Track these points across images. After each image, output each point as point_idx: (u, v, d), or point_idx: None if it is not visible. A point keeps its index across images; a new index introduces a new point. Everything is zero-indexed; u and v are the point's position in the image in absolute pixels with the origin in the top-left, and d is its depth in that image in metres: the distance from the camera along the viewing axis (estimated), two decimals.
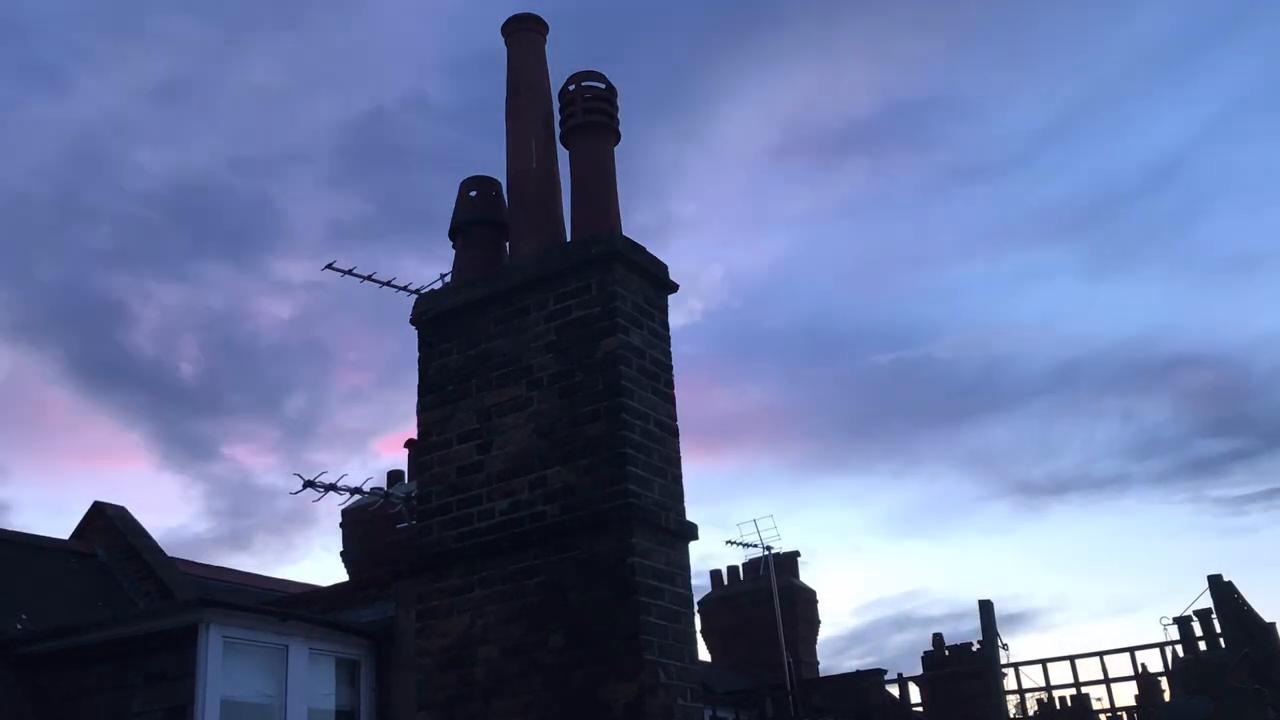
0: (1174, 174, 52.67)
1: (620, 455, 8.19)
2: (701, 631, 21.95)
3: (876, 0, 48.66)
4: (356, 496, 11.21)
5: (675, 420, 8.89)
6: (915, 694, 20.20)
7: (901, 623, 45.54)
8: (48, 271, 42.39)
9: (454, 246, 10.13)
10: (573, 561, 8.19)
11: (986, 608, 18.42)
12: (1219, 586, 17.51)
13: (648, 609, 7.91)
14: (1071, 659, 18.68)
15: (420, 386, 9.52)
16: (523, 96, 9.90)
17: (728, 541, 19.79)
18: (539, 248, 9.28)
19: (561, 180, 9.77)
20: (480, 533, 8.72)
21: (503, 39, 10.19)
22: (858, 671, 19.56)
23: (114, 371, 43.03)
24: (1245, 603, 17.89)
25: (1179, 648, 17.84)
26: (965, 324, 54.98)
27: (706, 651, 22.04)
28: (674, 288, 9.32)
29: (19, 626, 10.03)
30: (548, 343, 8.85)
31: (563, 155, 9.81)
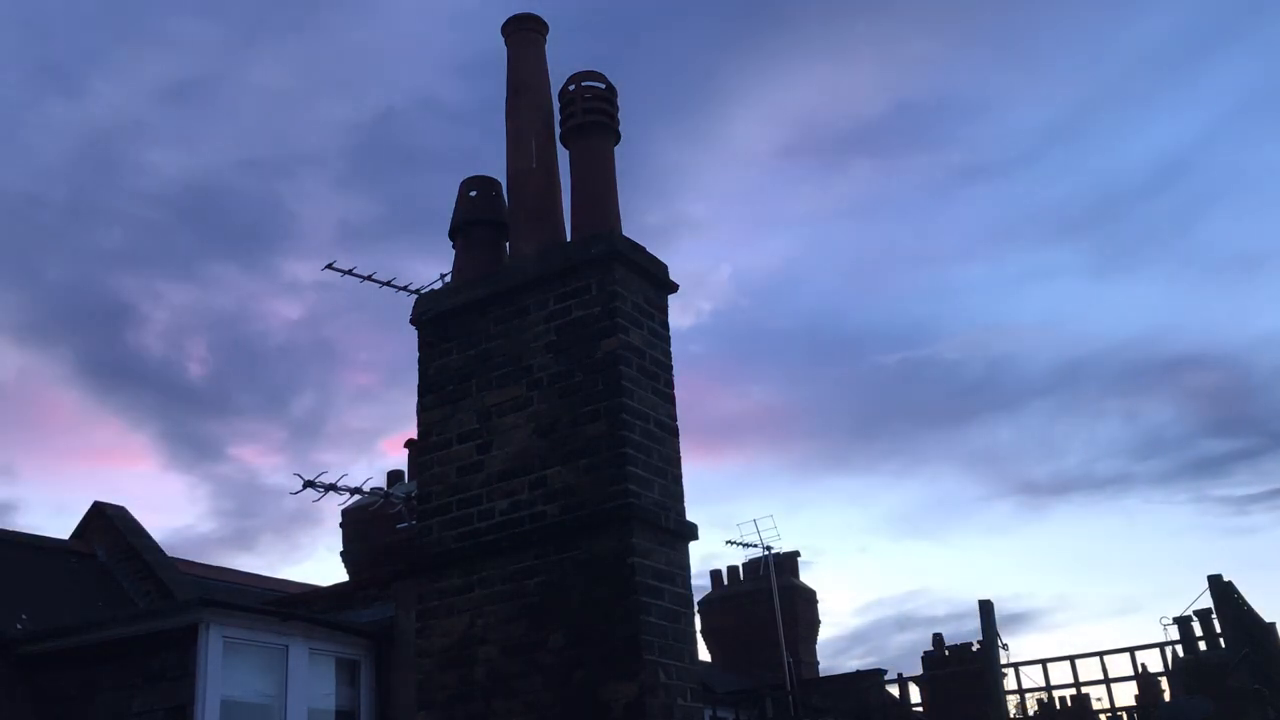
0: (1177, 174, 52.75)
1: (620, 455, 8.19)
2: (701, 631, 21.96)
3: (884, 1, 48.69)
4: (356, 496, 11.21)
5: (675, 420, 8.89)
6: (915, 694, 20.21)
7: (903, 623, 45.60)
8: (57, 272, 42.47)
9: (454, 246, 10.13)
10: (573, 561, 8.19)
11: (986, 608, 18.43)
12: (1219, 586, 17.51)
13: (648, 609, 7.91)
14: (1071, 659, 18.69)
15: (420, 386, 9.53)
16: (523, 96, 9.90)
17: (728, 541, 19.80)
18: (539, 248, 9.29)
19: (561, 180, 9.77)
20: (480, 533, 8.72)
21: (503, 39, 10.20)
22: (858, 671, 19.58)
23: (122, 372, 43.09)
24: (1245, 603, 17.90)
25: (1179, 648, 17.84)
26: (969, 324, 55.05)
27: (706, 651, 22.05)
28: (674, 288, 9.33)
29: (19, 626, 10.03)
30: (548, 343, 8.85)
31: (563, 155, 9.82)
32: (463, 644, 8.53)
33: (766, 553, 20.20)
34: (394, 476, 14.15)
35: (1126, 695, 18.96)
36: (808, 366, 53.05)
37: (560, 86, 9.84)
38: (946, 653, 20.42)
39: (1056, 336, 52.26)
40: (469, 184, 10.20)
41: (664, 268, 9.25)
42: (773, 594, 19.74)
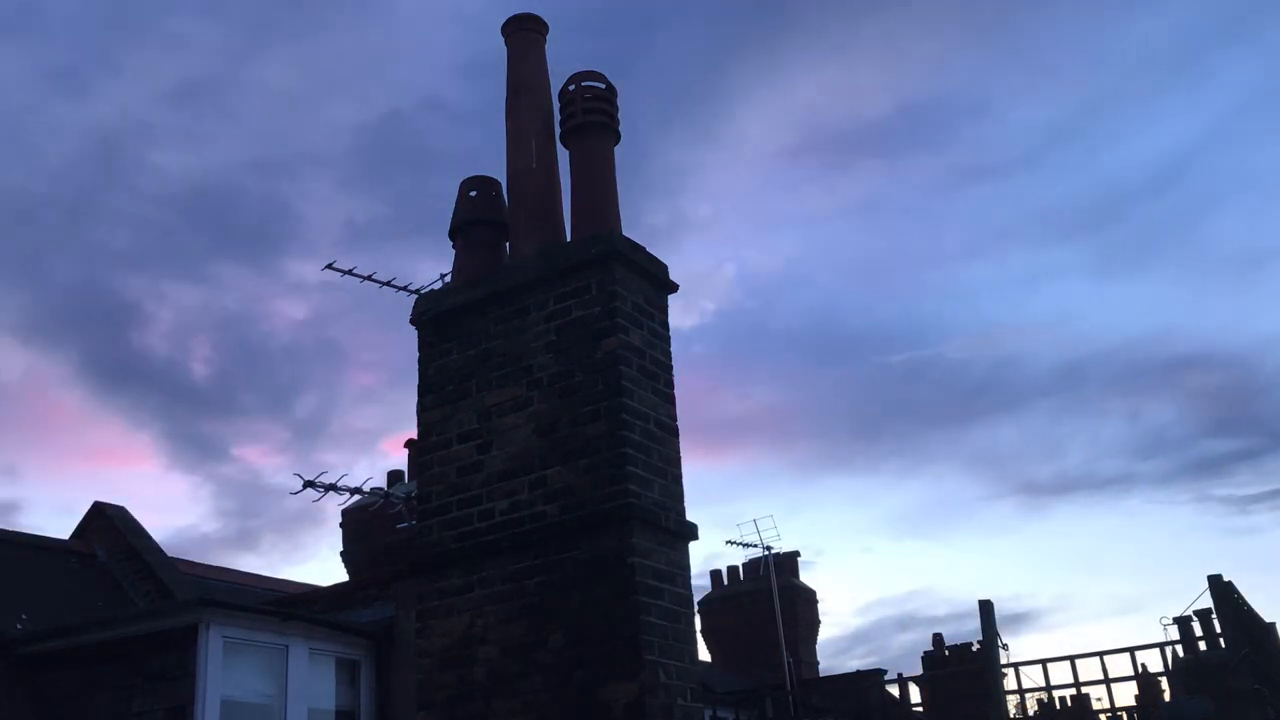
0: (1181, 174, 52.77)
1: (620, 455, 8.19)
2: (701, 631, 21.95)
3: (890, 2, 48.72)
4: (356, 496, 11.21)
5: (675, 420, 8.89)
6: (915, 694, 20.21)
7: (904, 622, 45.62)
8: (64, 273, 42.53)
9: (454, 246, 10.13)
10: (573, 561, 8.19)
11: (986, 608, 18.43)
12: (1219, 586, 17.50)
13: (648, 609, 7.91)
14: (1071, 659, 18.68)
15: (420, 386, 9.53)
16: (523, 96, 9.90)
17: (728, 541, 19.80)
18: (539, 248, 9.29)
19: (562, 180, 9.77)
20: (480, 533, 8.72)
21: (503, 39, 10.20)
22: (858, 671, 19.58)
23: (127, 372, 43.13)
24: (1245, 603, 17.90)
25: (1179, 648, 17.84)
26: (974, 324, 55.06)
27: (706, 651, 22.04)
28: (674, 288, 9.33)
29: (19, 626, 10.03)
30: (548, 343, 8.85)
31: (563, 155, 9.82)
32: (463, 644, 8.53)
33: (766, 553, 20.20)
34: (394, 476, 14.15)
35: (1126, 695, 18.98)
36: (811, 366, 53.12)
37: (560, 86, 9.85)
38: (946, 653, 20.42)
39: (1059, 336, 52.32)
40: (469, 184, 10.20)
41: (664, 268, 9.25)
42: (773, 594, 19.73)
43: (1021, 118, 51.95)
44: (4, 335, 40.46)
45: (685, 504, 8.69)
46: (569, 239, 9.39)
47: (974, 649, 19.65)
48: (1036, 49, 50.89)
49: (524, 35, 10.10)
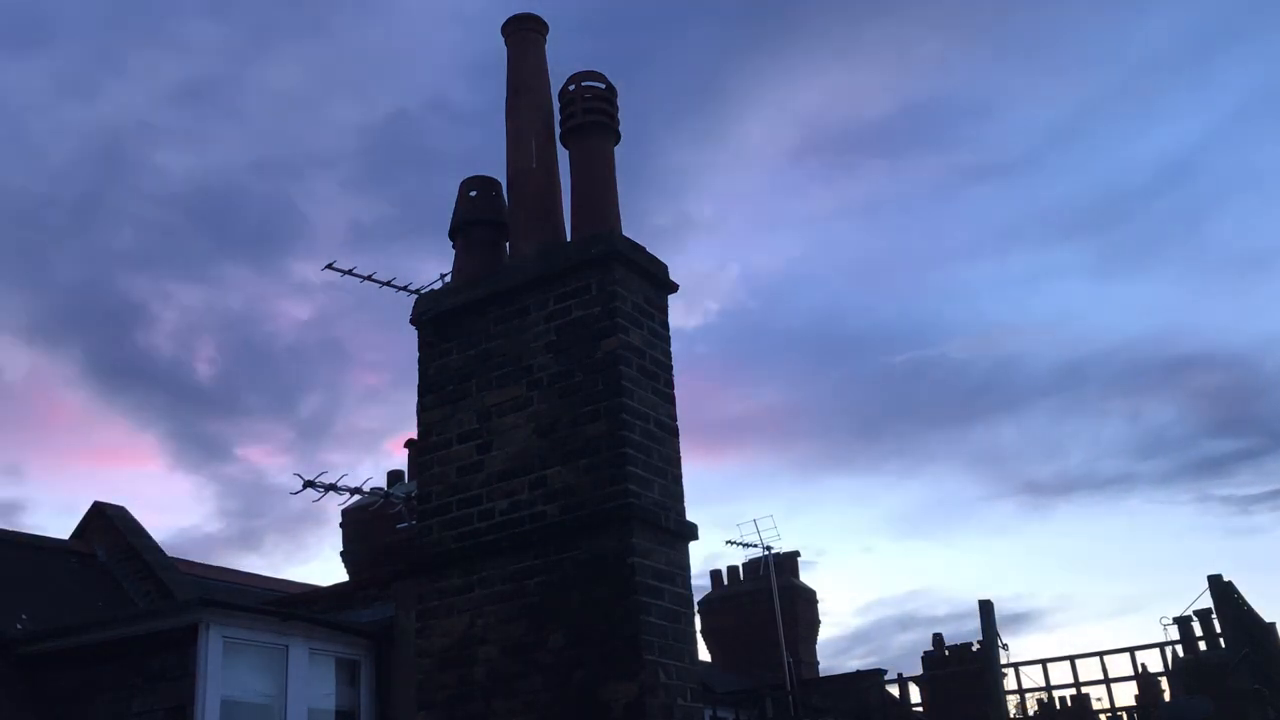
0: (1183, 174, 52.76)
1: (620, 455, 8.19)
2: (701, 631, 21.95)
3: (893, 2, 48.74)
4: (356, 496, 11.20)
5: (675, 420, 8.89)
6: (915, 694, 20.21)
7: (905, 622, 45.62)
8: (68, 273, 42.57)
9: (454, 246, 10.13)
10: (573, 561, 8.19)
11: (986, 608, 18.44)
12: (1219, 586, 17.51)
13: (648, 609, 7.91)
14: (1071, 659, 18.69)
15: (420, 386, 9.53)
16: (523, 96, 9.90)
17: (727, 541, 19.79)
18: (539, 248, 9.28)
19: (562, 180, 9.77)
20: (480, 533, 8.72)
21: (503, 39, 10.20)
22: (858, 671, 19.57)
23: (131, 372, 43.14)
24: (1245, 603, 17.90)
25: (1179, 648, 17.84)
26: (976, 324, 55.06)
27: (706, 651, 22.04)
28: (674, 288, 9.32)
29: (19, 626, 10.03)
30: (548, 343, 8.85)
31: (563, 155, 9.82)
32: (463, 644, 8.53)
33: (766, 553, 20.20)
34: (394, 476, 14.14)
35: (1126, 695, 18.98)
36: (814, 366, 53.13)
37: (560, 86, 9.84)
38: (946, 653, 20.42)
39: (1061, 336, 52.31)
40: (469, 184, 10.20)
41: (664, 268, 9.25)
42: (773, 594, 19.73)
43: (1023, 118, 52.00)
44: (8, 335, 40.55)
45: (685, 504, 8.69)
46: (569, 239, 9.39)
47: (974, 649, 19.65)
48: (1038, 49, 50.94)
49: (524, 35, 10.10)
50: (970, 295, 54.75)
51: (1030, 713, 19.02)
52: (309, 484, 10.49)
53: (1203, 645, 17.63)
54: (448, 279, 10.09)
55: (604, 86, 9.70)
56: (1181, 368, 48.29)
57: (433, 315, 9.61)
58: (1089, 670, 18.55)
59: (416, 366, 9.60)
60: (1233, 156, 54.78)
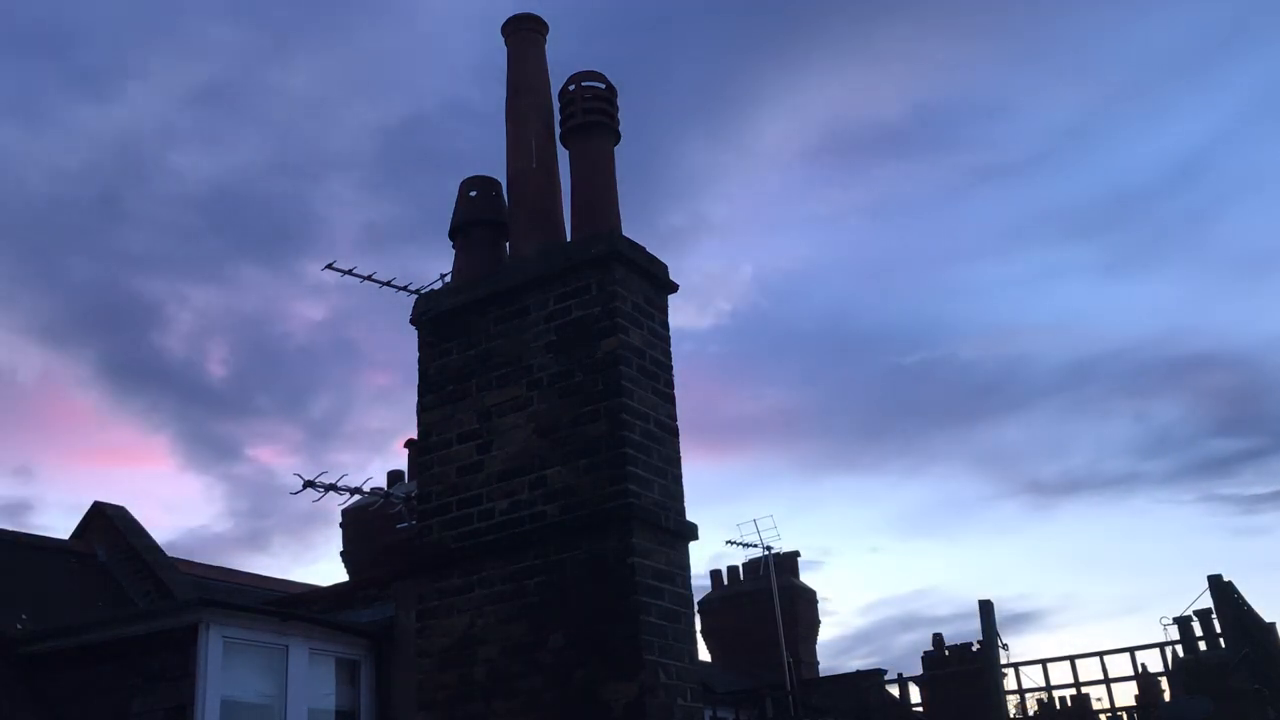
0: (1192, 175, 52.74)
1: (620, 455, 8.19)
2: (702, 631, 21.95)
3: (906, 4, 48.71)
4: (357, 497, 11.19)
5: (675, 420, 8.89)
6: (915, 694, 20.21)
7: (908, 622, 45.61)
8: (83, 274, 42.61)
9: (454, 246, 10.13)
10: (573, 561, 8.19)
11: (986, 608, 18.45)
12: (1219, 586, 17.52)
13: (648, 609, 7.91)
14: (1071, 659, 18.70)
15: (420, 386, 9.53)
16: (523, 96, 9.90)
17: (727, 541, 19.78)
18: (539, 248, 9.28)
19: (562, 180, 9.77)
20: (480, 533, 8.72)
21: (503, 39, 10.20)
22: (858, 671, 19.57)
23: (143, 373, 43.17)
24: (1245, 603, 17.90)
25: (1179, 648, 17.85)
26: (984, 324, 55.05)
27: (706, 651, 22.04)
28: (674, 288, 9.33)
29: (19, 626, 10.03)
30: (548, 343, 8.85)
31: (563, 155, 9.82)
32: (463, 644, 8.53)
33: (766, 553, 20.20)
34: (394, 476, 14.14)
35: (1126, 695, 18.97)
36: (825, 367, 53.14)
37: (560, 86, 9.84)
38: (946, 653, 20.42)
39: (1068, 336, 52.23)
40: (469, 184, 10.20)
41: (664, 268, 9.25)
42: (773, 594, 19.73)
43: (1032, 119, 52.01)
44: (23, 336, 40.59)
45: (687, 504, 8.70)
46: (569, 239, 9.39)
47: (974, 649, 19.65)
48: (1047, 51, 50.93)
49: (524, 36, 10.10)
50: (978, 295, 54.80)
51: (1030, 713, 19.02)
52: (309, 484, 10.47)
53: (1203, 645, 17.64)
54: (448, 279, 10.09)
55: (604, 86, 9.70)
56: (1187, 367, 48.29)
57: (433, 315, 9.61)
58: (1089, 670, 18.59)
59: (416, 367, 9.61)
60: (1240, 157, 54.81)
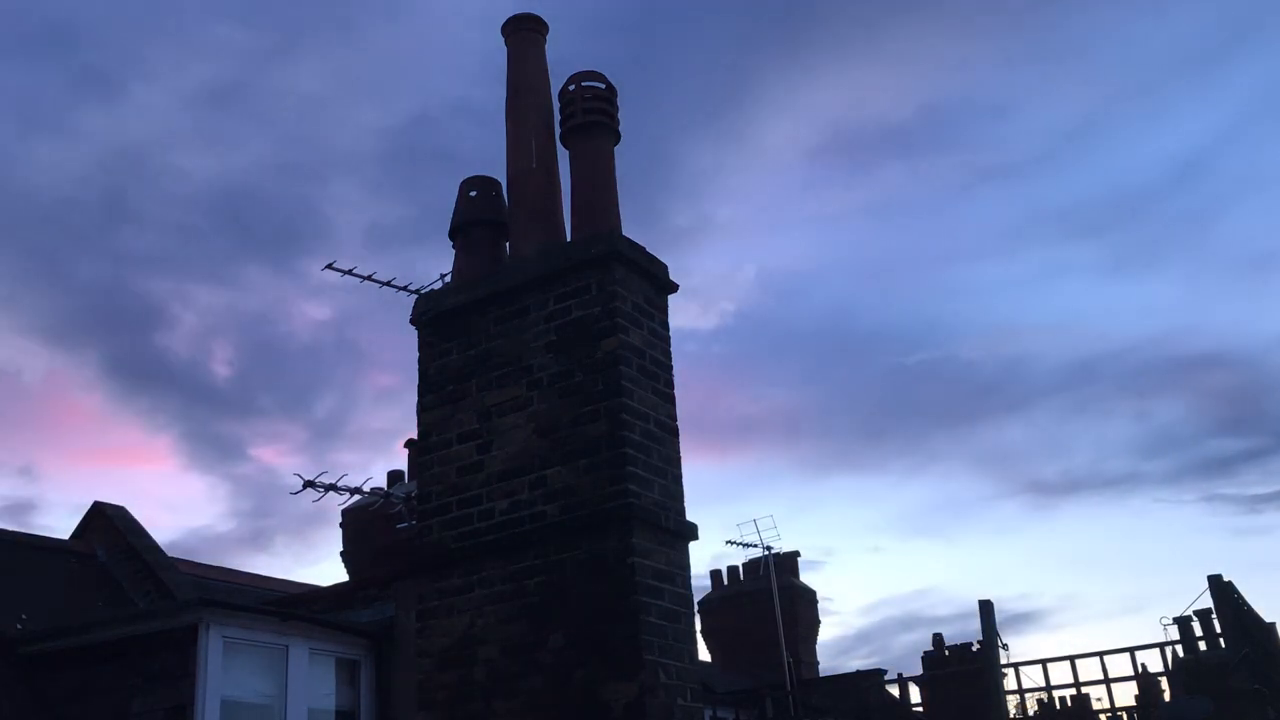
0: (1195, 174, 52.75)
1: (620, 455, 8.19)
2: (702, 631, 21.95)
3: (910, 5, 48.72)
4: (357, 497, 11.19)
5: (675, 420, 8.89)
6: (915, 694, 20.22)
7: (909, 622, 45.59)
8: (89, 275, 42.64)
9: (454, 246, 10.13)
10: (573, 561, 8.19)
11: (986, 608, 18.44)
12: (1218, 586, 17.51)
13: (648, 609, 7.91)
14: (1071, 659, 18.69)
15: (420, 386, 9.53)
16: (523, 97, 9.91)
17: (727, 541, 19.77)
18: (539, 248, 9.29)
19: (562, 180, 9.77)
20: (480, 533, 8.72)
21: (503, 39, 10.20)
22: (858, 671, 19.57)
23: (147, 374, 43.17)
24: (1245, 603, 17.90)
25: (1179, 648, 17.84)
26: (985, 323, 55.05)
27: (706, 651, 22.04)
28: (674, 288, 9.33)
29: (19, 626, 10.02)
30: (548, 343, 8.85)
31: (563, 155, 9.82)
32: (463, 644, 8.53)
33: (766, 553, 20.20)
34: (394, 476, 14.14)
35: (1126, 695, 18.97)
36: (827, 366, 53.14)
37: (560, 86, 9.84)
38: (946, 653, 20.43)
39: (1070, 336, 52.22)
40: (469, 184, 10.20)
41: (664, 268, 9.25)
42: (773, 594, 19.73)
43: (1036, 118, 52.00)
44: (27, 336, 40.65)
45: (687, 504, 8.70)
46: (569, 239, 9.39)
47: (974, 649, 19.66)
48: (1051, 51, 50.93)
49: (524, 36, 10.10)
50: (980, 295, 54.82)
51: (1030, 713, 19.02)
52: (309, 484, 10.47)
53: (1203, 645, 17.63)
54: (448, 279, 10.09)
55: (604, 86, 9.70)
56: (1189, 367, 48.27)
57: (432, 315, 9.61)
58: (1089, 670, 18.58)
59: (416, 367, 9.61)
60: (1242, 157, 54.83)
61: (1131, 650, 18.39)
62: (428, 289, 10.17)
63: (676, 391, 9.00)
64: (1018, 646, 29.35)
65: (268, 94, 46.85)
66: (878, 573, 54.17)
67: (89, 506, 13.44)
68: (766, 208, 55.27)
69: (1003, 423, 52.16)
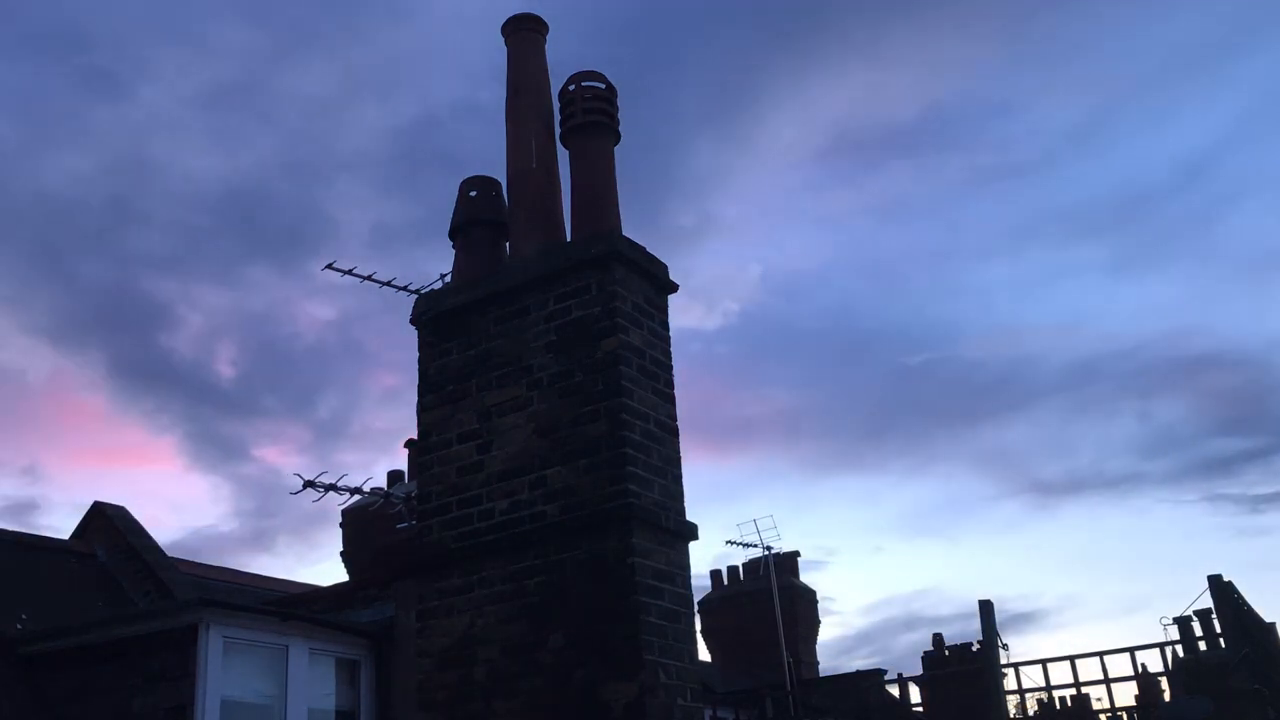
0: (1199, 174, 52.76)
1: (620, 455, 8.19)
2: (702, 631, 21.95)
3: (915, 5, 48.73)
4: (357, 497, 11.19)
5: (675, 420, 8.89)
6: (915, 694, 20.22)
7: (910, 622, 45.59)
8: (94, 275, 42.66)
9: (454, 246, 10.13)
10: (573, 561, 8.19)
11: (986, 608, 18.44)
12: (1219, 586, 17.51)
13: (648, 609, 7.91)
14: (1071, 659, 18.68)
15: (420, 386, 9.53)
16: (523, 96, 9.90)
17: (727, 541, 19.79)
18: (539, 248, 9.29)
19: (562, 180, 9.77)
20: (480, 533, 8.72)
21: (503, 39, 10.20)
22: (858, 671, 19.58)
23: (152, 374, 43.21)
24: (1245, 603, 17.90)
25: (1179, 648, 17.84)
26: (989, 323, 55.07)
27: (706, 651, 22.04)
28: (674, 288, 9.32)
29: (19, 626, 10.03)
30: (548, 343, 8.85)
31: (563, 155, 9.82)
32: (463, 644, 8.53)
33: (766, 553, 20.20)
34: (394, 476, 14.15)
35: (1126, 695, 18.97)
36: (830, 366, 53.17)
37: (560, 86, 9.84)
38: (946, 653, 20.44)
39: (1073, 336, 52.22)
40: (469, 184, 10.20)
41: (664, 268, 9.25)
42: (773, 594, 19.73)
43: (1041, 118, 52.02)
44: (33, 336, 40.68)
45: (687, 504, 8.70)
46: (569, 239, 9.39)
47: (974, 649, 19.66)
48: (1057, 51, 50.94)
49: (524, 36, 10.10)
50: (983, 295, 54.86)
51: (1030, 713, 19.02)
52: (309, 484, 10.47)
53: (1203, 645, 17.63)
54: (448, 279, 10.09)
55: (604, 86, 9.70)
56: (1192, 367, 48.27)
57: (433, 315, 9.61)
58: (1089, 670, 18.57)
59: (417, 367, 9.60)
60: (1246, 158, 54.88)
61: (1131, 650, 18.39)
62: (428, 289, 10.18)
63: (679, 391, 9.02)
64: (1018, 646, 29.37)
65: (273, 95, 46.89)
66: (878, 573, 54.17)
67: (89, 506, 13.45)
68: (771, 208, 55.31)
69: (1005, 422, 52.18)
